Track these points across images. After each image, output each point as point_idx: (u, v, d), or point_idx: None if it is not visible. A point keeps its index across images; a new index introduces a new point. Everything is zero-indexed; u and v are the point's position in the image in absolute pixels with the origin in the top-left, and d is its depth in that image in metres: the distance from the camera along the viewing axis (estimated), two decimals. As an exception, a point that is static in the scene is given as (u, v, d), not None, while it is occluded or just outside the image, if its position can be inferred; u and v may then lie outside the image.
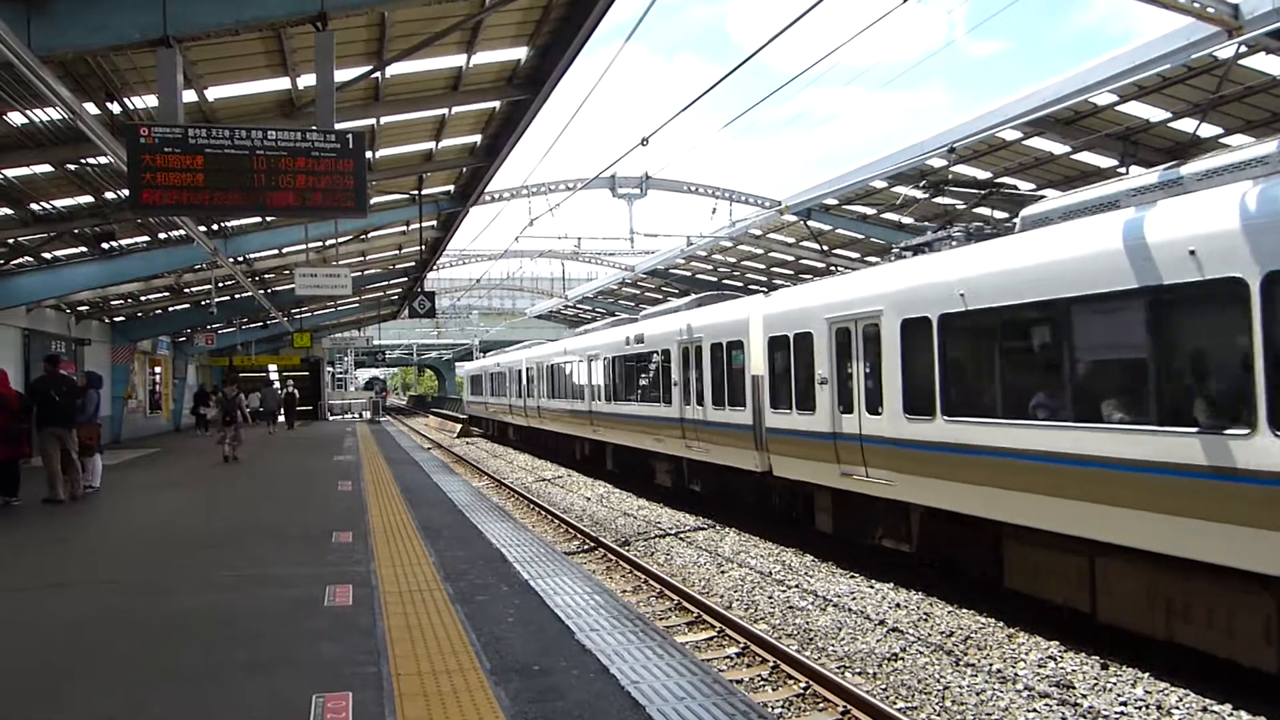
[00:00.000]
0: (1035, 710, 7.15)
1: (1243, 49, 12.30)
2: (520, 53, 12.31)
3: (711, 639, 9.50)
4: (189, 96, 10.86)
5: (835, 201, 22.78)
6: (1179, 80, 13.57)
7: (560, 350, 27.54)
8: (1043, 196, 12.47)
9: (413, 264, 29.38)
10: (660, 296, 41.50)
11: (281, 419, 36.24)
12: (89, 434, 14.54)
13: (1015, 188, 18.32)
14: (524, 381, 32.36)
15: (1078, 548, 8.37)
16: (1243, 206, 6.91)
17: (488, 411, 42.60)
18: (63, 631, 6.57)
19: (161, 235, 18.91)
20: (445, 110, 14.04)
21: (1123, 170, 16.68)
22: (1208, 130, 15.20)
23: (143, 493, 15.46)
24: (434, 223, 22.27)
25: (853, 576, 11.44)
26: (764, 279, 33.77)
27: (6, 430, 12.86)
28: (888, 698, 7.61)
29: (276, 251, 23.10)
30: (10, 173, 13.10)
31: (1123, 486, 7.66)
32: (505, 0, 9.58)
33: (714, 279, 35.88)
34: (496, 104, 14.17)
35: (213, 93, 11.65)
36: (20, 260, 18.45)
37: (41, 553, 9.92)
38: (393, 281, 33.45)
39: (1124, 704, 7.12)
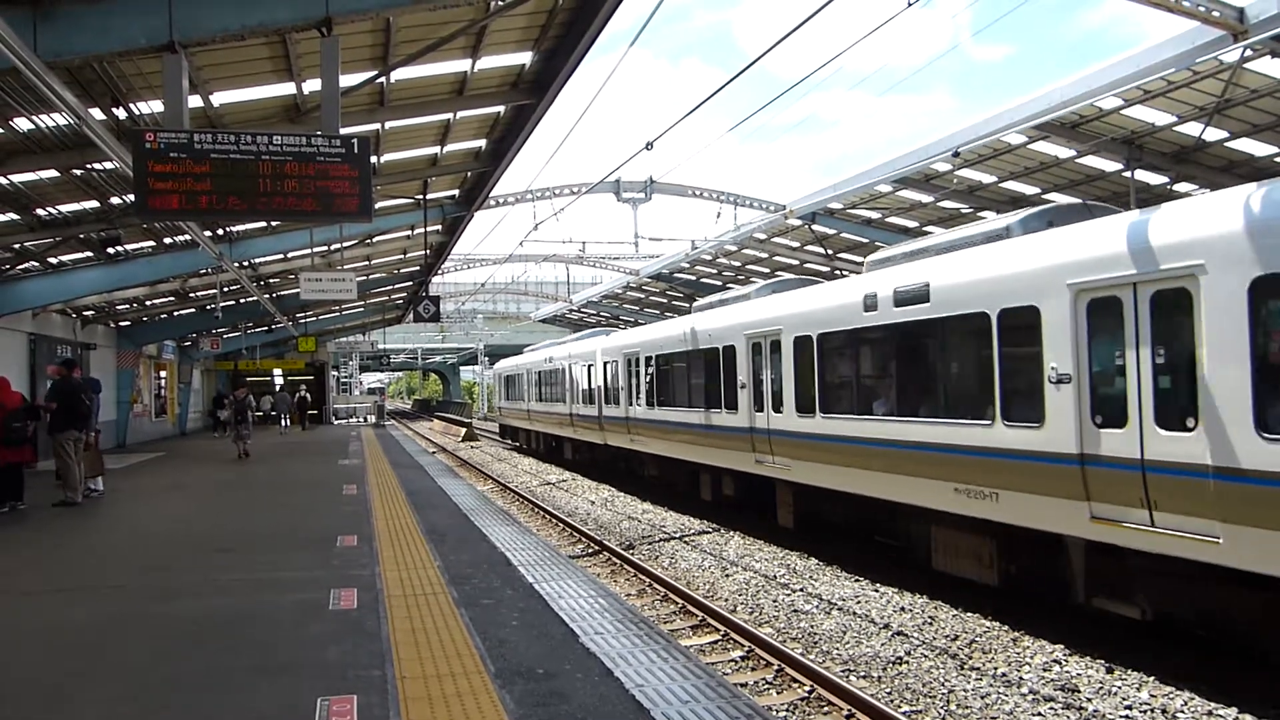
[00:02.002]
0: (1040, 714, 7.14)
1: (1248, 53, 12.30)
2: (525, 58, 12.34)
3: (716, 642, 9.49)
4: (194, 102, 10.89)
5: (840, 205, 22.80)
6: (1184, 84, 13.56)
7: (676, 334, 18.25)
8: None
9: (417, 268, 29.43)
10: (665, 300, 41.54)
11: (286, 422, 37.39)
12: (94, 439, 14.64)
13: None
14: (599, 382, 23.18)
15: None
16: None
17: (531, 421, 32.84)
18: (70, 636, 6.59)
19: (167, 240, 18.96)
20: (450, 115, 14.07)
21: (1128, 174, 16.70)
22: (1213, 134, 15.20)
23: (148, 497, 15.49)
24: (439, 227, 22.31)
25: (857, 580, 11.42)
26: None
27: (6, 433, 12.80)
28: (892, 701, 7.61)
29: (282, 256, 23.16)
30: (16, 178, 13.15)
31: None
32: (510, 5, 9.60)
33: (718, 283, 35.89)
34: (501, 109, 14.20)
35: (218, 98, 11.69)
36: (26, 265, 18.52)
37: (50, 557, 9.94)
38: (397, 286, 33.50)
39: (1129, 708, 7.10)
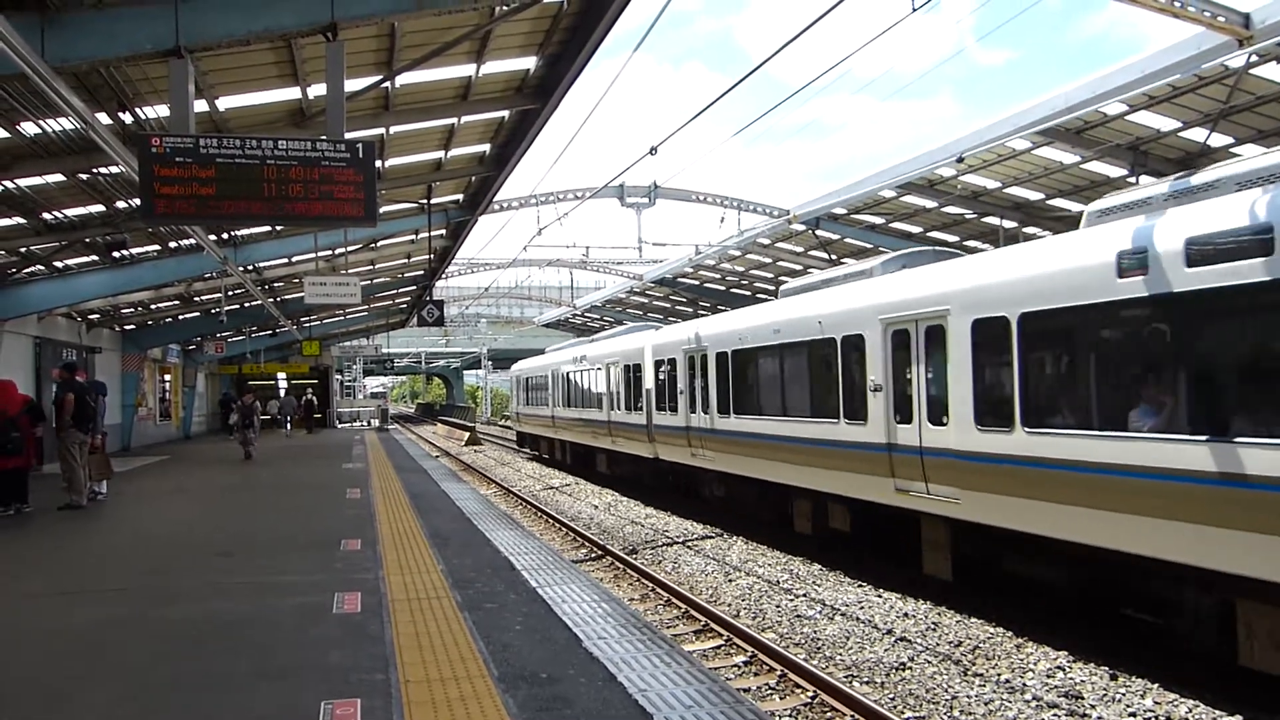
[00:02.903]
0: (1044, 721, 7.12)
1: (1253, 58, 12.31)
2: (529, 62, 12.37)
3: (719, 647, 9.48)
4: (200, 106, 10.94)
5: (844, 211, 22.82)
6: (1189, 90, 13.58)
7: (762, 324, 14.69)
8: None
9: (421, 272, 29.52)
10: (668, 305, 41.57)
11: (290, 426, 37.71)
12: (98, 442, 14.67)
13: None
14: (649, 385, 19.57)
15: None
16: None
17: (557, 429, 28.95)
18: (72, 638, 6.60)
19: (172, 244, 19.02)
20: (454, 120, 14.11)
21: (1132, 180, 16.69)
22: (1218, 140, 15.20)
23: (152, 500, 15.52)
24: (443, 231, 22.36)
25: (860, 585, 11.40)
26: (772, 288, 33.80)
27: (4, 440, 12.78)
28: (895, 708, 7.59)
29: (286, 260, 23.23)
30: (23, 182, 13.21)
31: None
32: (514, 10, 9.63)
33: (722, 288, 35.93)
34: (505, 113, 14.23)
35: (224, 103, 11.73)
36: (32, 269, 18.57)
37: (53, 559, 9.95)
38: (401, 290, 33.57)
39: (1133, 714, 7.08)
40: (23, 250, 16.99)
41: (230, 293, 25.29)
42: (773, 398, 14.22)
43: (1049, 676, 7.97)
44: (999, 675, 8.11)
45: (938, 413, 10.23)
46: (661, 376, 18.82)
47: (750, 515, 15.66)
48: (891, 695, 7.90)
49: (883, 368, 11.14)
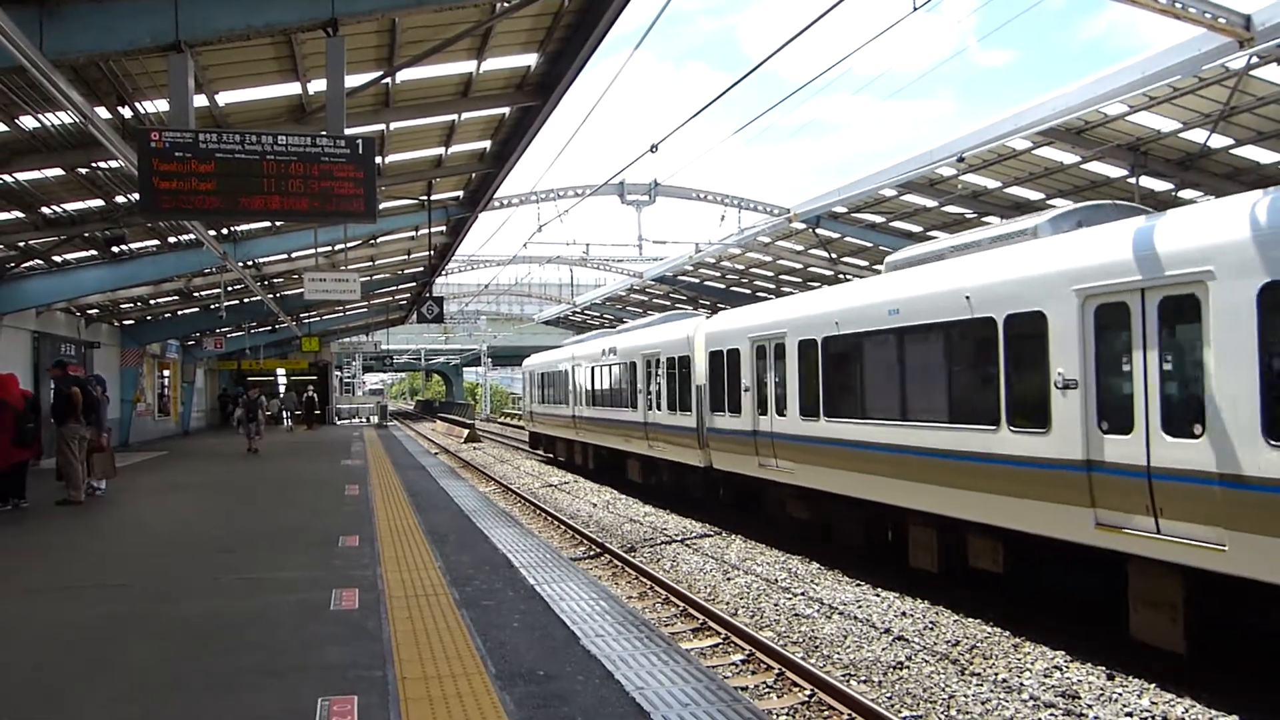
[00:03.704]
0: (1041, 721, 7.12)
1: (1254, 60, 12.30)
2: (530, 59, 12.35)
3: (717, 646, 9.48)
4: (200, 101, 10.91)
5: (844, 209, 22.82)
6: (1190, 91, 13.56)
7: (866, 303, 12.04)
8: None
9: (421, 269, 29.49)
10: (668, 304, 41.58)
11: (289, 423, 37.88)
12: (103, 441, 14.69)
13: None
14: (700, 382, 17.00)
15: None
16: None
17: (579, 431, 25.93)
18: (72, 635, 6.59)
19: (171, 239, 18.99)
20: (455, 116, 14.08)
21: (1132, 180, 16.68)
22: (1218, 141, 15.18)
23: (151, 496, 15.50)
24: (443, 228, 22.33)
25: (858, 585, 11.41)
26: (772, 287, 33.82)
27: (17, 432, 12.88)
28: (893, 706, 7.59)
29: (286, 256, 23.19)
30: (22, 176, 13.17)
31: None
32: (516, 7, 9.61)
33: (722, 286, 35.92)
34: (506, 110, 14.21)
35: (223, 97, 11.70)
36: (31, 263, 18.55)
37: (52, 555, 9.94)
38: (401, 286, 33.55)
39: (1130, 714, 7.09)
40: (21, 245, 16.95)
41: (230, 288, 25.27)
42: (886, 396, 11.37)
43: (1046, 676, 7.97)
44: (996, 674, 8.11)
45: (1182, 419, 7.55)
46: (717, 370, 16.21)
47: (849, 543, 12.93)
48: (889, 694, 7.91)
49: (1078, 356, 8.46)
